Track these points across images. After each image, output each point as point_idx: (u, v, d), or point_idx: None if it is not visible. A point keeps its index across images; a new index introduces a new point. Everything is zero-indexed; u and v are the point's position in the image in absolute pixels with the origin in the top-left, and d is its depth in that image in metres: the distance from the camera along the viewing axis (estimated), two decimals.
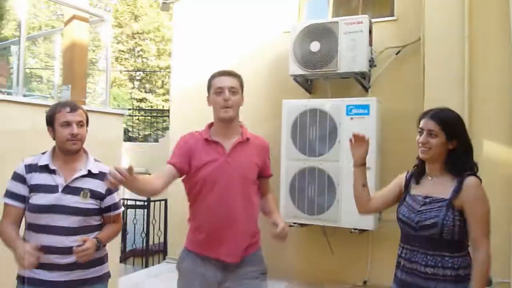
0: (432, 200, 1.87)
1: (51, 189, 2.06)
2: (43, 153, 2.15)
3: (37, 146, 3.23)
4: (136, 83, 19.11)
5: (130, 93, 18.05)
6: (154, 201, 5.81)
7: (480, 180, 1.86)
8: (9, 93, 4.01)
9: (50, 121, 2.11)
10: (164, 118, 14.08)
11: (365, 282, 4.64)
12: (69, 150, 2.08)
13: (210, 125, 2.21)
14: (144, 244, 5.52)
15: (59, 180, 2.07)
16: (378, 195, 2.11)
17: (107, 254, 2.23)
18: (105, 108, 3.74)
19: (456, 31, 3.93)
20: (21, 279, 2.07)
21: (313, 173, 4.42)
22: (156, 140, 12.19)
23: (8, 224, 2.04)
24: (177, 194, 5.96)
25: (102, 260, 2.19)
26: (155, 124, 13.87)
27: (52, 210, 2.03)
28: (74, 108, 2.10)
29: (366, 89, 4.66)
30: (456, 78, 3.92)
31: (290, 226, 4.55)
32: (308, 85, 4.91)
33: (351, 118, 4.28)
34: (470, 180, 1.82)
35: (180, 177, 2.13)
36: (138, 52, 18.70)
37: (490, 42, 3.83)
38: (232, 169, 2.10)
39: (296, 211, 4.43)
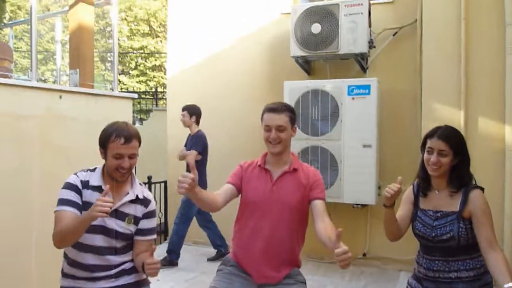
0: (442, 214, 2.02)
1: None
2: (92, 170, 2.13)
3: (52, 131, 3.28)
4: (108, 65, 18.72)
5: (103, 75, 17.72)
6: (154, 183, 5.86)
7: (483, 190, 2.02)
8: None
9: (102, 145, 2.07)
10: (147, 100, 13.97)
11: (364, 254, 4.86)
12: (116, 179, 2.07)
13: (266, 153, 2.32)
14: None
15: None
16: (401, 222, 2.15)
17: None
18: (114, 92, 3.75)
19: (452, 13, 4.08)
20: None
21: (316, 152, 4.57)
22: (141, 123, 12.10)
23: (66, 223, 1.96)
24: (176, 176, 6.05)
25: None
26: (138, 107, 13.72)
27: (96, 231, 2.03)
28: (129, 139, 2.03)
29: (364, 69, 4.80)
30: (452, 57, 4.09)
31: None
32: (307, 66, 5.02)
33: (353, 98, 4.43)
34: (475, 193, 1.98)
35: (237, 196, 2.28)
36: (109, 32, 18.25)
37: (485, 23, 4.00)
38: (275, 197, 2.20)
39: None
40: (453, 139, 2.02)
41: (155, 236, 2.21)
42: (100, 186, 2.06)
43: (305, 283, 2.27)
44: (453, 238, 1.95)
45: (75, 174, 2.10)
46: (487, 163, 3.91)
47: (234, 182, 2.25)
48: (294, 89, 4.67)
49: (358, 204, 4.55)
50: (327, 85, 4.55)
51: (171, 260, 4.73)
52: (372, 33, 4.63)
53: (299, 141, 4.58)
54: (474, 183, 2.05)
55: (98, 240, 2.05)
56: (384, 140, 4.68)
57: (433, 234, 2.00)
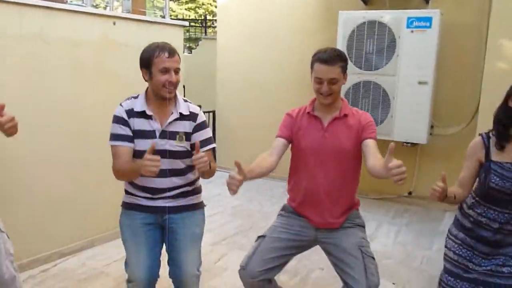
0: None
1: (150, 134, 2.08)
2: (135, 97, 2.15)
3: (106, 57, 3.35)
4: None
5: (153, 1, 17.57)
6: (204, 112, 5.96)
7: None
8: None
9: (147, 64, 2.05)
10: (196, 29, 13.85)
11: (410, 193, 4.84)
12: (163, 97, 2.07)
13: (315, 99, 2.24)
14: None
15: (155, 126, 2.09)
16: (463, 183, 2.05)
17: (201, 186, 2.33)
18: (166, 19, 3.72)
19: None
20: (125, 205, 2.22)
21: (368, 87, 4.44)
22: (190, 52, 12.11)
23: (122, 163, 2.06)
24: (224, 106, 6.15)
25: (199, 190, 2.30)
26: (187, 35, 13.65)
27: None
28: (172, 53, 2.05)
29: (426, 0, 4.47)
30: None
31: None
32: None
33: (412, 31, 4.19)
34: None
35: (289, 145, 2.24)
36: None
37: None
38: (327, 144, 2.15)
39: None
40: None
41: (214, 144, 2.23)
42: (144, 111, 2.08)
43: (363, 226, 2.28)
44: None
45: (120, 104, 2.14)
46: None
47: (285, 135, 2.22)
48: (349, 19, 4.46)
49: (408, 143, 4.46)
50: (385, 16, 4.30)
51: None
52: None
53: (350, 76, 4.43)
54: None
55: None
56: (443, 78, 4.45)
57: None
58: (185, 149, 2.14)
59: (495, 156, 1.96)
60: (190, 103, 2.21)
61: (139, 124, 2.08)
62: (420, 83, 4.23)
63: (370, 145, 2.08)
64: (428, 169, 4.66)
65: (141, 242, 2.15)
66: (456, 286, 2.01)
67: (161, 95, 2.06)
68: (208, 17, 14.73)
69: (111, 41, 3.40)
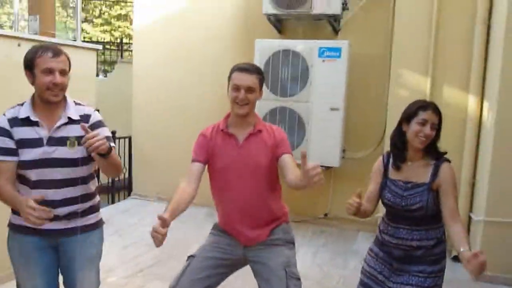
0: (413, 185, 2.06)
1: (36, 142, 1.93)
2: (21, 104, 2.00)
3: (11, 80, 3.12)
4: (70, 11, 17.82)
5: (64, 22, 16.91)
6: (119, 138, 5.76)
7: (449, 162, 2.09)
8: None
9: (29, 65, 1.93)
10: (112, 51, 13.47)
11: (326, 215, 5.02)
12: (48, 100, 1.93)
13: (228, 115, 2.24)
14: (110, 181, 5.53)
15: (42, 133, 1.94)
16: (371, 197, 2.18)
17: (100, 201, 2.21)
18: (77, 42, 3.59)
19: None
20: (12, 227, 2.04)
21: (284, 113, 4.58)
22: (105, 75, 11.73)
23: (4, 182, 1.90)
24: (141, 131, 5.99)
25: (96, 208, 2.16)
26: (102, 57, 13.24)
27: (40, 164, 1.92)
28: (57, 53, 1.92)
29: (336, 31, 4.77)
30: (424, 24, 4.14)
31: None
32: (279, 25, 4.94)
33: (323, 60, 4.42)
34: (446, 166, 2.04)
35: (205, 166, 2.21)
36: None
37: None
38: (243, 161, 2.16)
39: None
40: (441, 114, 2.06)
41: (113, 144, 2.02)
42: (28, 117, 1.93)
43: (293, 243, 2.28)
44: (422, 208, 2.02)
45: (4, 114, 1.97)
46: (448, 130, 4.01)
47: (201, 159, 2.18)
48: (265, 47, 4.61)
49: (323, 166, 4.63)
50: (299, 45, 4.51)
51: None
52: None
53: (267, 102, 4.57)
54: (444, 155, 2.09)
55: (47, 174, 1.94)
56: (352, 104, 4.73)
57: (403, 204, 2.05)
58: (81, 156, 1.98)
59: (392, 174, 2.14)
60: (84, 105, 2.08)
61: (24, 132, 1.93)
62: (332, 109, 4.46)
63: (287, 160, 2.12)
64: (342, 191, 4.86)
65: (35, 271, 1.99)
66: None
67: (46, 98, 1.93)
68: (125, 40, 14.43)
69: (15, 63, 3.18)
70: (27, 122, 1.94)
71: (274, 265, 2.13)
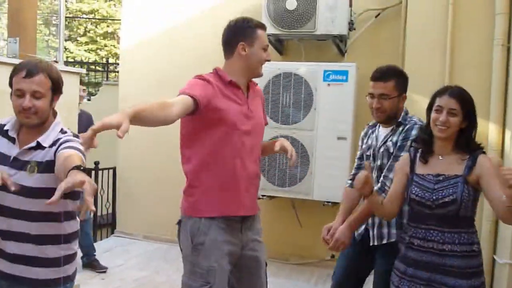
0: (445, 177, 2.08)
1: (3, 159, 1.93)
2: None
3: None
4: (53, 29, 18.15)
5: (47, 41, 17.20)
6: (102, 169, 5.80)
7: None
8: None
9: (10, 84, 1.94)
10: (97, 73, 13.67)
11: (333, 256, 4.99)
12: (22, 123, 1.95)
13: (219, 70, 2.25)
14: (92, 216, 5.54)
15: (13, 151, 1.94)
16: (393, 196, 2.23)
17: (76, 253, 2.10)
18: (59, 65, 3.68)
19: None
20: None
21: None
22: (88, 99, 11.87)
23: None
24: (127, 162, 6.02)
25: (71, 258, 2.03)
26: (86, 79, 13.43)
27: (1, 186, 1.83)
28: (31, 73, 1.87)
29: (342, 53, 4.88)
30: (437, 46, 4.20)
31: (258, 198, 4.77)
32: (280, 46, 5.06)
33: (328, 85, 4.50)
34: (484, 157, 2.07)
35: (192, 113, 2.05)
36: None
37: (474, 9, 4.12)
38: (251, 119, 2.22)
39: (266, 182, 4.65)
40: (464, 98, 2.10)
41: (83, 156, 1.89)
42: (7, 131, 1.97)
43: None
44: (455, 201, 2.01)
45: None
46: None
47: (199, 97, 2.01)
48: (264, 70, 4.65)
49: (329, 202, 4.66)
50: (301, 68, 4.60)
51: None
52: (353, 14, 4.69)
53: (267, 130, 4.53)
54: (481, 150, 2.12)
55: (4, 199, 1.90)
56: (361, 131, 4.78)
57: (434, 197, 2.05)
58: (49, 186, 1.84)
59: (420, 169, 2.18)
60: (67, 134, 2.01)
61: (1, 144, 1.96)
62: (339, 138, 4.51)
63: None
64: None
65: None
66: None
67: (20, 121, 1.94)
68: (111, 60, 14.66)
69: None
70: (6, 135, 1.98)
71: (263, 264, 2.33)
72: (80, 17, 17.62)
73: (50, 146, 1.94)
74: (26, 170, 1.90)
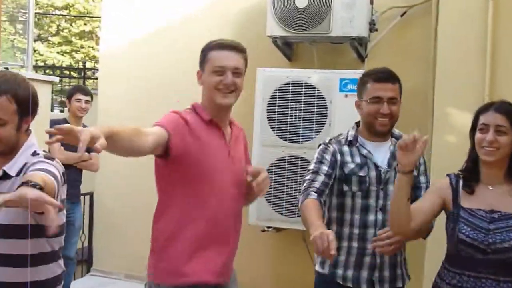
0: (501, 215, 2.00)
1: None
2: None
3: None
4: (20, 27, 18.21)
5: (12, 41, 17.27)
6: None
7: None
8: None
9: None
10: (71, 79, 13.68)
11: None
12: None
13: (197, 107, 2.28)
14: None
15: None
16: (415, 212, 2.14)
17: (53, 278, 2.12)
18: (27, 73, 3.64)
19: None
20: None
21: (295, 164, 4.55)
22: (61, 110, 11.88)
23: None
24: (106, 187, 5.95)
25: None
26: (58, 86, 13.42)
27: None
28: None
29: (362, 58, 4.83)
30: (476, 48, 4.13)
31: (263, 231, 4.70)
32: (288, 50, 5.02)
33: (346, 96, 4.42)
34: None
35: (164, 153, 2.11)
36: None
37: None
38: (233, 167, 2.21)
39: (272, 212, 4.55)
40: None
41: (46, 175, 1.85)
42: None
43: None
44: None
45: None
46: None
47: (170, 130, 2.09)
48: (270, 78, 4.63)
49: None
50: (313, 76, 4.52)
51: None
52: (374, 12, 4.64)
53: (273, 148, 4.55)
54: None
55: None
56: None
57: (490, 241, 1.98)
58: (17, 223, 1.89)
59: (466, 201, 2.09)
60: (39, 155, 2.02)
61: None
62: None
63: None
64: None
65: None
66: None
67: None
68: (88, 65, 14.69)
69: None
70: None
71: None
72: (52, 14, 17.71)
73: (17, 174, 1.96)
74: None
